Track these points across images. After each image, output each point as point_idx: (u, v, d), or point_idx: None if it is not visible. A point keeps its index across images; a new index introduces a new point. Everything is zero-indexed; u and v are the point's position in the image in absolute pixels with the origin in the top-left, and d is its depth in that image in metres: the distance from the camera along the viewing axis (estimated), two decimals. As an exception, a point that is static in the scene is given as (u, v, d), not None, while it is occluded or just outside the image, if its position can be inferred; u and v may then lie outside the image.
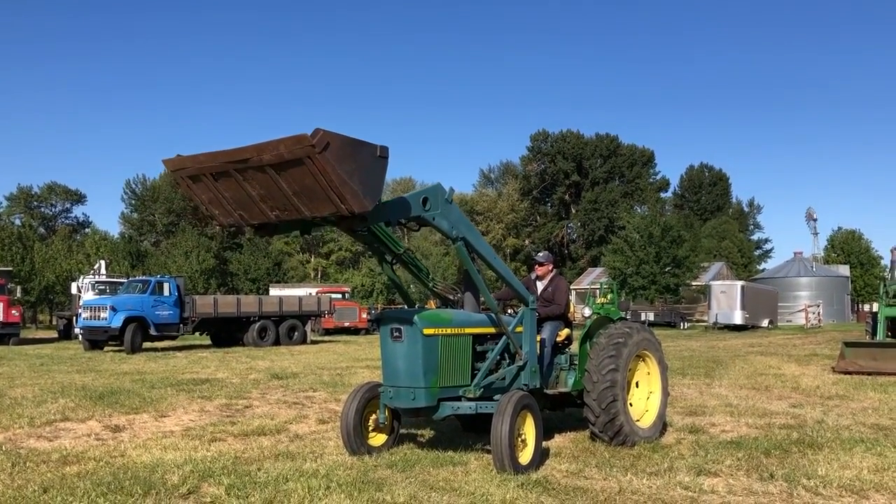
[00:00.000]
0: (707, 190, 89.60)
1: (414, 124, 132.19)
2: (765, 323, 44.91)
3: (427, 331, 6.56)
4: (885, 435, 8.02)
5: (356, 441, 6.96)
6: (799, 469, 6.37)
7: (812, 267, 62.84)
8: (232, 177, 5.49)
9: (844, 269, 67.04)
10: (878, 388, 12.17)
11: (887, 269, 21.87)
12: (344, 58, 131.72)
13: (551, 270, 8.42)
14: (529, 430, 6.50)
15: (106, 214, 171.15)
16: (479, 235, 6.90)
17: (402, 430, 7.68)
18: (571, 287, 64.48)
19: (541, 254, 8.58)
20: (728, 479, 6.11)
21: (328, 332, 37.59)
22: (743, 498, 5.52)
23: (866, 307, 62.77)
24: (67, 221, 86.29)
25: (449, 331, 6.76)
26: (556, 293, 8.22)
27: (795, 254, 65.58)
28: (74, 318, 30.17)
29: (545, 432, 7.12)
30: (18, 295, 31.55)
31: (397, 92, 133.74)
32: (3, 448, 7.44)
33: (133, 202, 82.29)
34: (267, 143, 5.18)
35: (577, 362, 7.97)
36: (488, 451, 6.55)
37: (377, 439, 7.27)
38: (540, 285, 8.27)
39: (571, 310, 8.44)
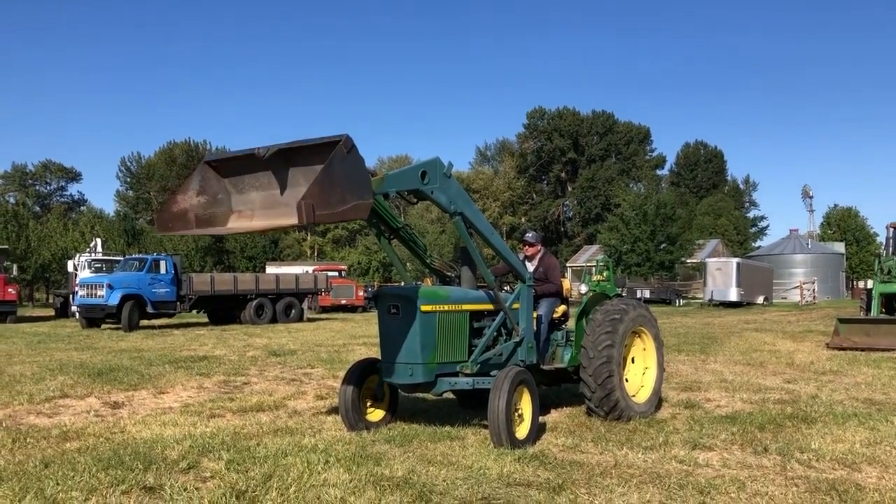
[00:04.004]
0: (703, 167, 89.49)
1: (411, 102, 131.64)
2: (760, 300, 45.03)
3: (425, 307, 6.58)
4: (878, 409, 8.10)
5: (354, 416, 7.00)
6: (792, 443, 6.44)
7: (807, 244, 62.90)
8: None
9: (839, 247, 67.14)
10: (872, 364, 12.27)
11: (883, 246, 21.90)
12: (341, 35, 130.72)
13: (540, 250, 8.43)
14: (526, 405, 6.55)
15: (101, 192, 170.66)
16: (478, 211, 6.90)
17: (400, 406, 7.73)
18: (567, 265, 64.65)
19: (529, 234, 8.53)
20: (722, 453, 6.18)
21: (325, 309, 37.66)
22: (737, 471, 5.58)
23: (861, 284, 63.02)
24: (62, 199, 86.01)
25: (446, 307, 6.78)
26: (548, 271, 8.22)
27: (791, 231, 65.60)
28: (71, 296, 30.16)
29: (542, 408, 7.18)
30: (15, 273, 31.50)
31: (395, 70, 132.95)
32: (4, 424, 7.48)
33: (128, 180, 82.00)
34: (258, 229, 5.51)
35: (573, 338, 8.00)
36: (485, 426, 6.60)
37: (375, 414, 7.31)
38: (530, 266, 8.21)
39: (567, 286, 8.46)
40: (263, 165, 5.75)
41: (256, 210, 5.97)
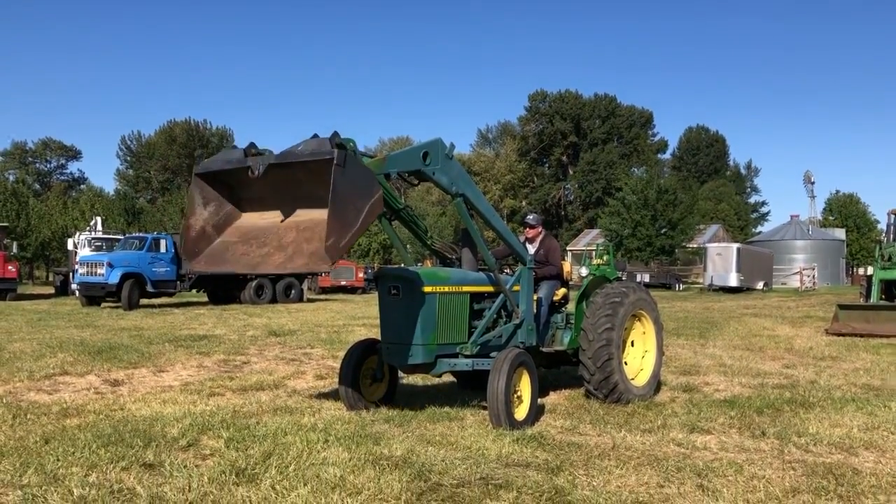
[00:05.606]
0: (705, 152, 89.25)
1: (412, 84, 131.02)
2: (760, 285, 45.00)
3: (425, 288, 6.57)
4: (876, 395, 8.12)
5: (354, 396, 7.02)
6: (790, 427, 6.45)
7: (808, 230, 62.82)
8: None
9: (840, 233, 67.07)
10: (871, 350, 12.29)
11: (883, 233, 21.86)
12: (342, 15, 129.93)
13: (541, 232, 8.42)
14: (525, 386, 6.57)
15: (101, 171, 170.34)
16: (479, 192, 6.88)
17: (399, 387, 7.74)
18: (568, 248, 64.65)
19: (531, 216, 8.50)
20: (720, 437, 6.20)
21: (325, 290, 37.70)
22: (735, 454, 5.60)
23: (861, 270, 62.98)
24: (62, 178, 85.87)
25: (447, 288, 6.78)
26: (549, 254, 8.21)
27: (792, 217, 65.51)
28: (71, 274, 30.17)
29: (541, 390, 7.19)
30: (15, 251, 31.49)
31: (396, 50, 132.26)
32: (4, 401, 7.50)
33: (128, 158, 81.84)
34: (280, 263, 5.54)
35: (573, 321, 8.01)
36: (484, 407, 6.62)
37: (374, 394, 7.32)
38: (531, 248, 8.22)
39: (567, 269, 8.46)
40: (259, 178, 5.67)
41: (267, 197, 5.96)
